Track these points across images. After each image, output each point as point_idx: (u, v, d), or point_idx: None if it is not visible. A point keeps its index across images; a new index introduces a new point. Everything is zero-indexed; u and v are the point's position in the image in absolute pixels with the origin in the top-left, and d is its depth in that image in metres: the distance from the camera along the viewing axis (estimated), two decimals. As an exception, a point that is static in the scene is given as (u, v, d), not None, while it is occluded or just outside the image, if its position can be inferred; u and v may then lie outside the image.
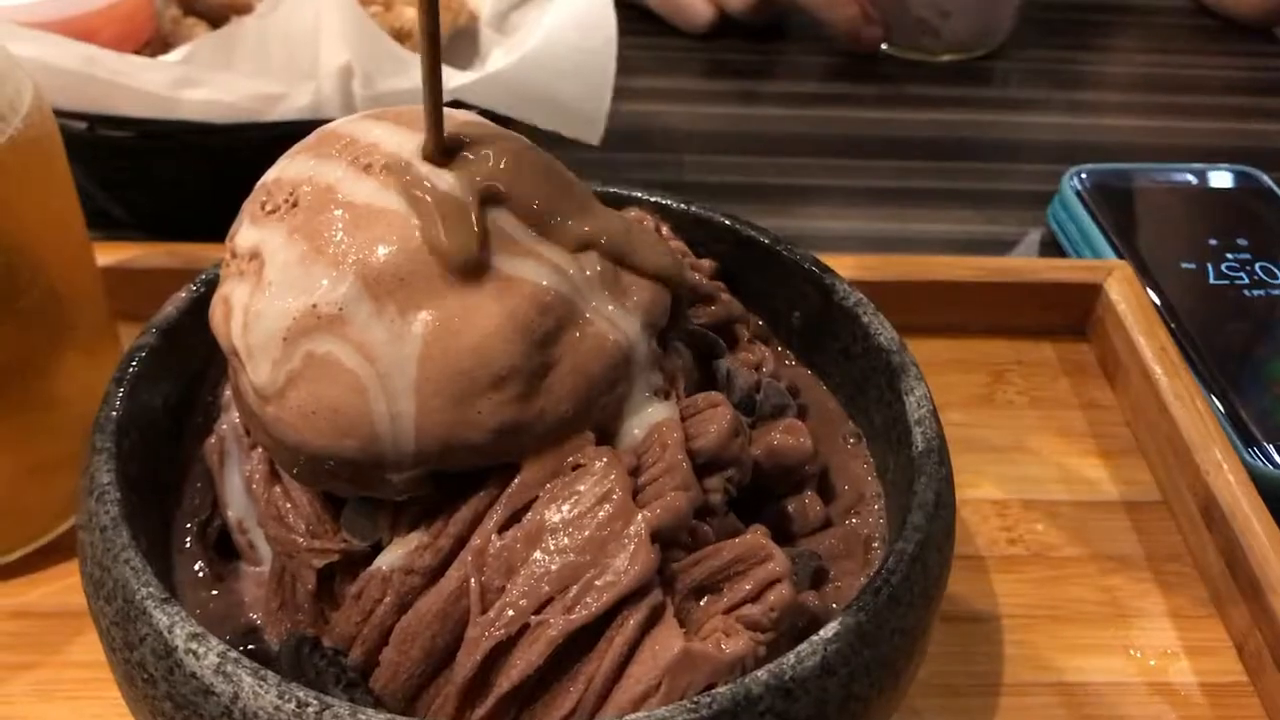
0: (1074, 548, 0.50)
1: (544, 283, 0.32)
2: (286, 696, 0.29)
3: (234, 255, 0.34)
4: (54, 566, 0.47)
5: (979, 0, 0.90)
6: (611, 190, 0.46)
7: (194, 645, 0.30)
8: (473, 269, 0.31)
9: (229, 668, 0.29)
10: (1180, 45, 0.96)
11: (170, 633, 0.30)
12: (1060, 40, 0.95)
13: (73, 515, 0.44)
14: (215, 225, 0.38)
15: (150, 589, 0.31)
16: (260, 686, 0.29)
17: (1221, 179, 0.73)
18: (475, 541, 0.32)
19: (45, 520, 0.47)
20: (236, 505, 0.38)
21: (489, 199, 0.32)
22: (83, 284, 0.47)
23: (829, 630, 0.31)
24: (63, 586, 0.46)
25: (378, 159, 0.33)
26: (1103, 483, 0.54)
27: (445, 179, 0.32)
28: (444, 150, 0.33)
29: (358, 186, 0.32)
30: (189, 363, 0.40)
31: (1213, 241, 0.67)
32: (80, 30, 0.57)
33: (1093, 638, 0.47)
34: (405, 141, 0.33)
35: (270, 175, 0.34)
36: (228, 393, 0.39)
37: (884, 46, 0.91)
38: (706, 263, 0.45)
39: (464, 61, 0.69)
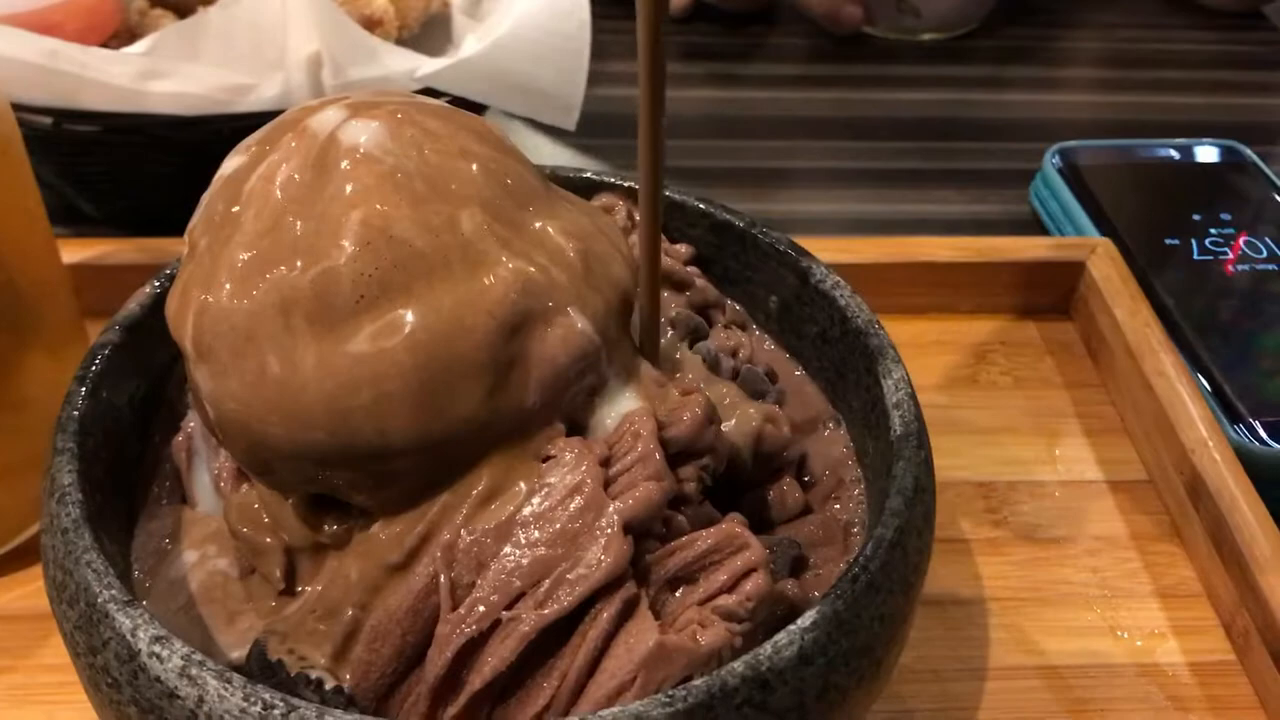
0: (1059, 529, 0.50)
1: (511, 276, 0.31)
2: (252, 699, 0.28)
3: (193, 248, 0.33)
4: (24, 570, 0.46)
5: None
6: (585, 175, 0.45)
7: (157, 648, 0.29)
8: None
9: (193, 670, 0.29)
10: (1161, 20, 0.95)
11: (133, 636, 0.30)
12: (1040, 18, 0.95)
13: (41, 517, 0.43)
14: (184, 219, 0.37)
15: (113, 592, 0.31)
16: (225, 689, 0.28)
17: (1204, 154, 0.72)
18: (444, 537, 0.31)
19: (14, 523, 0.46)
20: (205, 504, 0.38)
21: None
22: (49, 281, 0.46)
23: (806, 619, 0.30)
24: (34, 590, 0.45)
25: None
26: (1088, 463, 0.53)
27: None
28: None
29: (316, 176, 0.32)
30: (154, 359, 0.40)
31: (1196, 217, 0.66)
32: (43, 24, 0.56)
33: (1079, 619, 0.46)
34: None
35: (228, 166, 0.34)
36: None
37: (865, 28, 0.90)
38: (682, 248, 0.44)
39: (437, 48, 0.69)
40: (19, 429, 0.45)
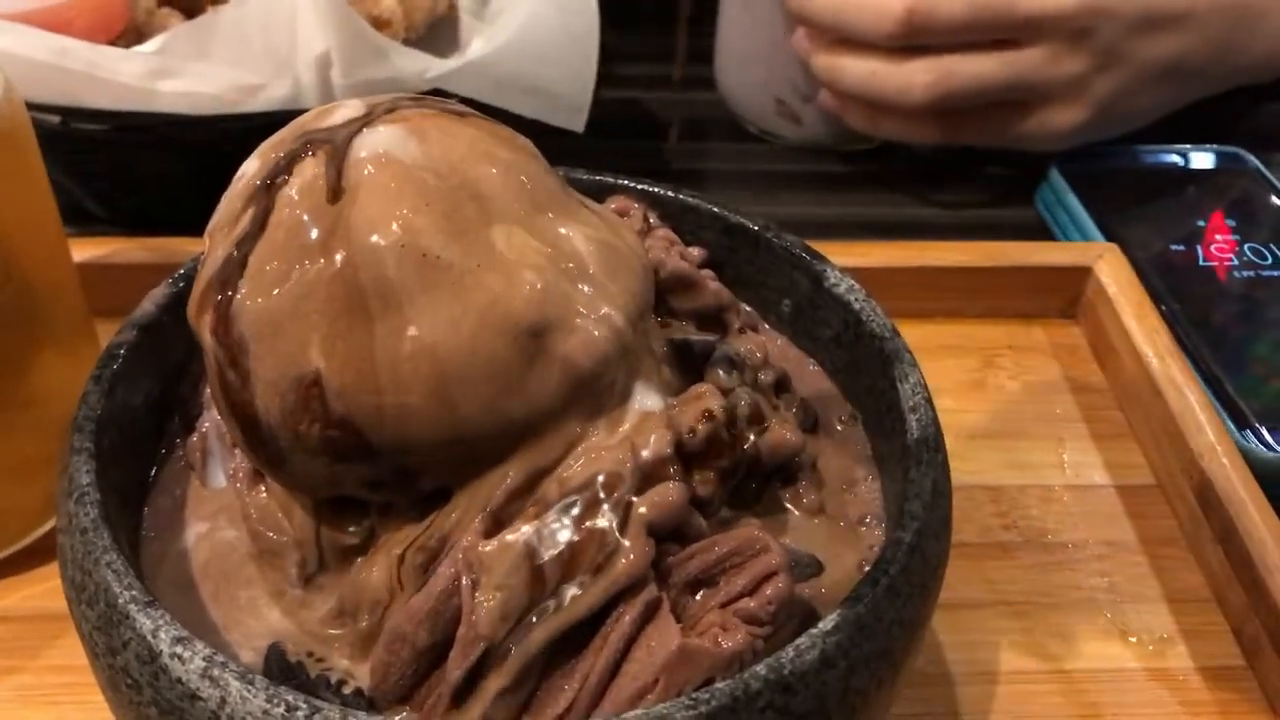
0: (1069, 533, 0.50)
1: (533, 281, 0.31)
2: (275, 700, 0.28)
3: (214, 248, 0.33)
4: (33, 570, 0.46)
5: None
6: (598, 178, 0.45)
7: (179, 649, 0.29)
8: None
9: (215, 672, 0.29)
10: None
11: (154, 637, 0.30)
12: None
13: (52, 517, 0.43)
14: (193, 218, 0.37)
15: (134, 592, 0.31)
16: (248, 691, 0.28)
17: (1208, 160, 0.72)
18: (466, 538, 0.31)
19: (24, 522, 0.46)
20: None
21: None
22: (59, 280, 0.46)
23: (828, 623, 0.30)
24: (43, 590, 0.45)
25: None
26: (1096, 467, 0.53)
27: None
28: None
29: (339, 177, 0.32)
30: (169, 359, 0.40)
31: (1200, 223, 0.67)
32: (52, 21, 0.56)
33: (1089, 624, 0.46)
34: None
35: (249, 167, 0.34)
36: (209, 390, 0.38)
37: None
38: (695, 251, 0.44)
39: (445, 50, 0.68)
40: (28, 428, 0.45)
